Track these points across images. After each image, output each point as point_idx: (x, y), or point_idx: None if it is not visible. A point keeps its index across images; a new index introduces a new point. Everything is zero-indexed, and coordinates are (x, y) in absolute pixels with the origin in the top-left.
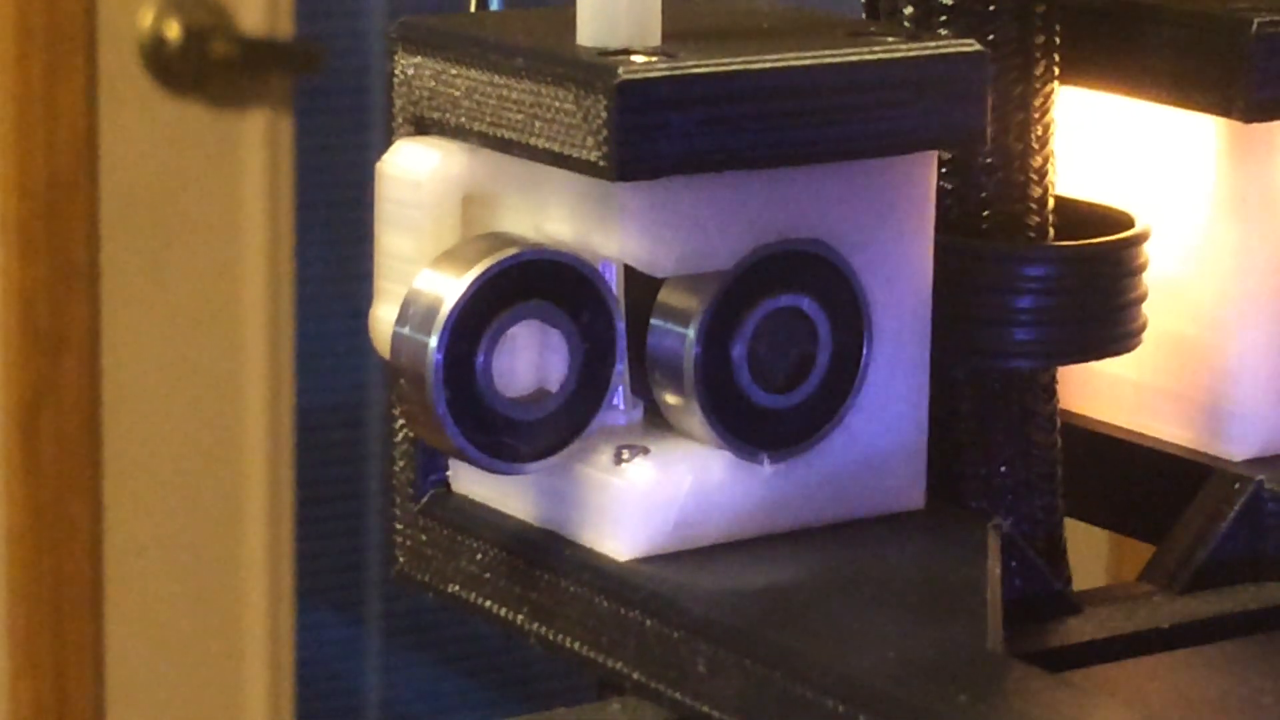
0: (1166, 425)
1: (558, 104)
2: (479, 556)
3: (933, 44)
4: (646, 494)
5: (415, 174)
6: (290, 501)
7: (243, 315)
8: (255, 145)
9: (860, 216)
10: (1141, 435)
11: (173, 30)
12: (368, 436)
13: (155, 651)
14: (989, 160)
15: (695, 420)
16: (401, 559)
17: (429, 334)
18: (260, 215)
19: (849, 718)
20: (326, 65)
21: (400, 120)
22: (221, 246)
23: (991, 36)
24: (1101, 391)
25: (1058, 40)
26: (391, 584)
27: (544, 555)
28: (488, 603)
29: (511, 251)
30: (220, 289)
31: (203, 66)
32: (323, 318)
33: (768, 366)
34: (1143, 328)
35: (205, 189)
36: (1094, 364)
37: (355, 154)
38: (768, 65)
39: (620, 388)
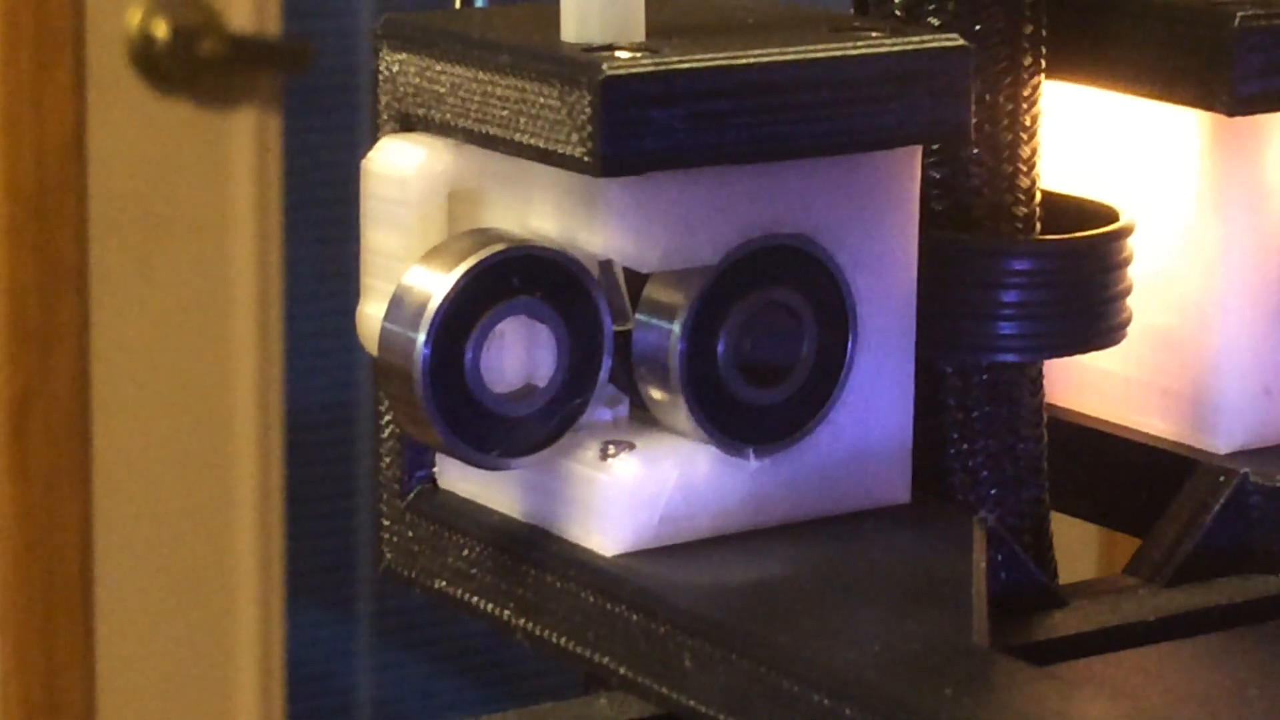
0: (1151, 418)
1: (542, 100)
2: (465, 552)
3: (916, 39)
4: (632, 489)
5: (401, 171)
6: (280, 500)
7: (232, 313)
8: (244, 144)
9: (845, 211)
10: (1126, 428)
11: (161, 29)
12: (357, 435)
13: (146, 650)
14: (978, 150)
15: (681, 415)
16: (388, 555)
17: (417, 330)
18: (249, 214)
19: (835, 711)
20: (314, 64)
21: (385, 117)
22: (210, 245)
23: (980, 26)
24: (1087, 385)
25: (1045, 32)
26: (381, 581)
27: (530, 551)
28: (474, 598)
29: (499, 247)
30: (209, 287)
31: (191, 65)
32: (312, 316)
33: (753, 361)
34: (1128, 321)
35: (194, 188)
36: (1079, 357)
37: (344, 152)
38: (752, 60)
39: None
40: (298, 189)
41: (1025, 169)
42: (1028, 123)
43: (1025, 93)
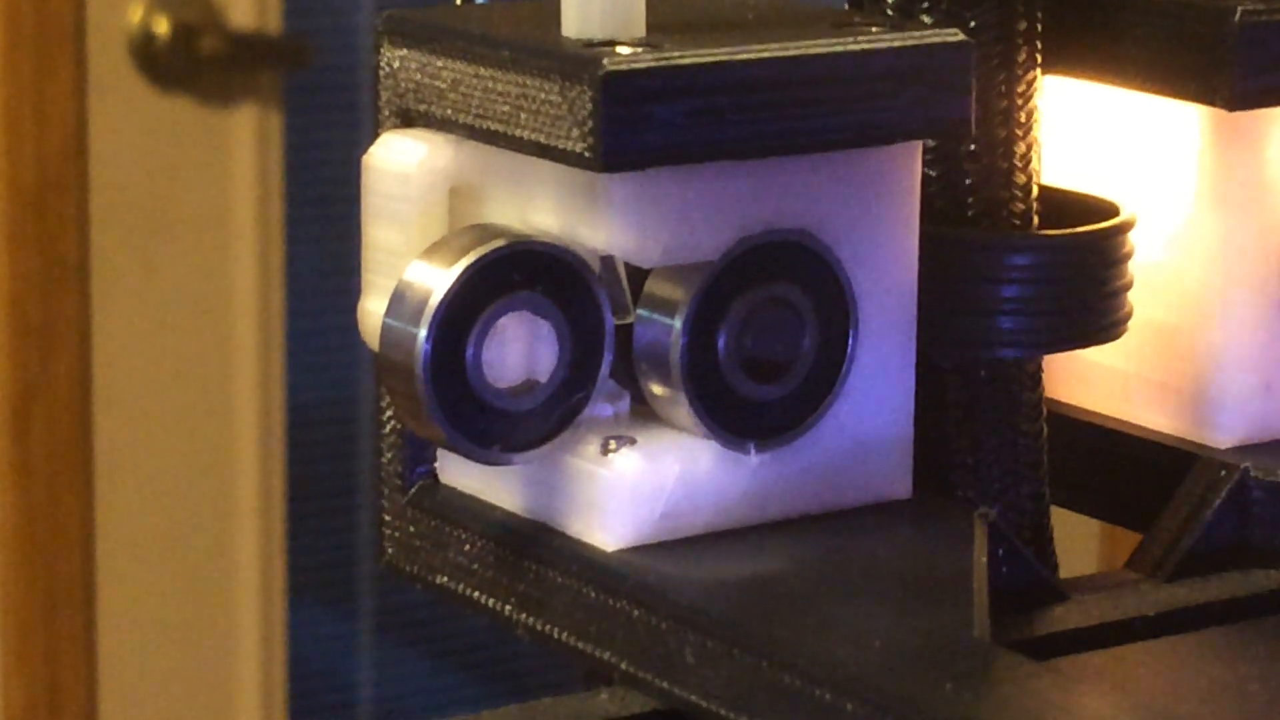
0: (1152, 413)
1: (543, 96)
2: (467, 548)
3: (917, 34)
4: (634, 484)
5: (402, 167)
6: (282, 497)
7: (233, 310)
8: (245, 141)
9: (846, 207)
10: (1127, 423)
11: (162, 26)
12: (359, 431)
13: (147, 647)
14: (973, 147)
15: (682, 411)
16: (390, 550)
17: (418, 325)
18: (250, 211)
19: (836, 706)
20: (315, 60)
21: (386, 113)
22: (212, 242)
23: (973, 23)
24: (1087, 380)
25: (1039, 27)
26: (383, 577)
27: (532, 546)
28: (476, 594)
29: (500, 243)
30: (211, 284)
31: (192, 62)
32: (313, 312)
33: (754, 357)
34: (1128, 316)
35: (195, 185)
36: (1080, 352)
37: (345, 149)
38: (753, 56)
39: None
40: (299, 185)
41: (1021, 165)
42: (1023, 119)
43: (1020, 89)
